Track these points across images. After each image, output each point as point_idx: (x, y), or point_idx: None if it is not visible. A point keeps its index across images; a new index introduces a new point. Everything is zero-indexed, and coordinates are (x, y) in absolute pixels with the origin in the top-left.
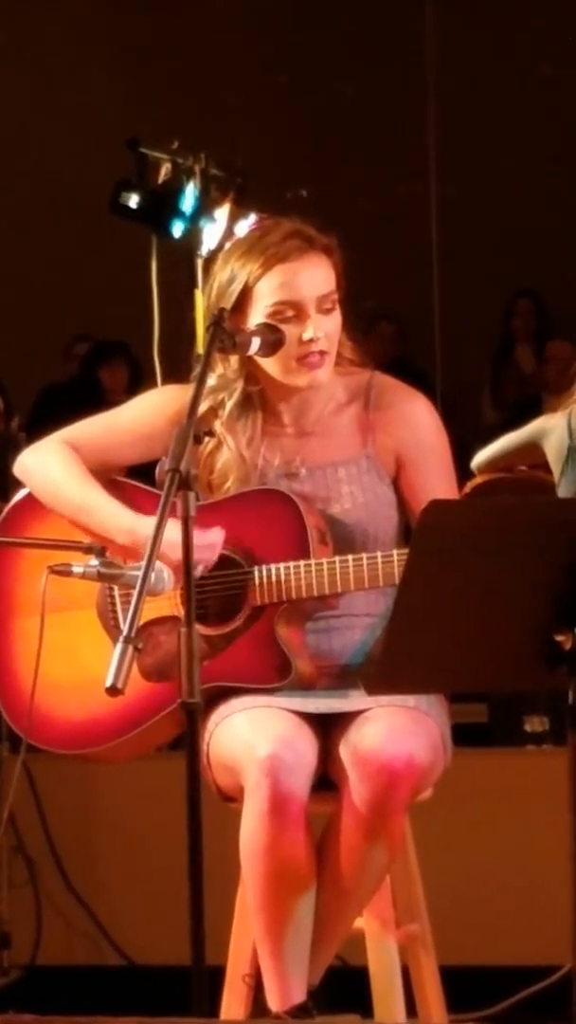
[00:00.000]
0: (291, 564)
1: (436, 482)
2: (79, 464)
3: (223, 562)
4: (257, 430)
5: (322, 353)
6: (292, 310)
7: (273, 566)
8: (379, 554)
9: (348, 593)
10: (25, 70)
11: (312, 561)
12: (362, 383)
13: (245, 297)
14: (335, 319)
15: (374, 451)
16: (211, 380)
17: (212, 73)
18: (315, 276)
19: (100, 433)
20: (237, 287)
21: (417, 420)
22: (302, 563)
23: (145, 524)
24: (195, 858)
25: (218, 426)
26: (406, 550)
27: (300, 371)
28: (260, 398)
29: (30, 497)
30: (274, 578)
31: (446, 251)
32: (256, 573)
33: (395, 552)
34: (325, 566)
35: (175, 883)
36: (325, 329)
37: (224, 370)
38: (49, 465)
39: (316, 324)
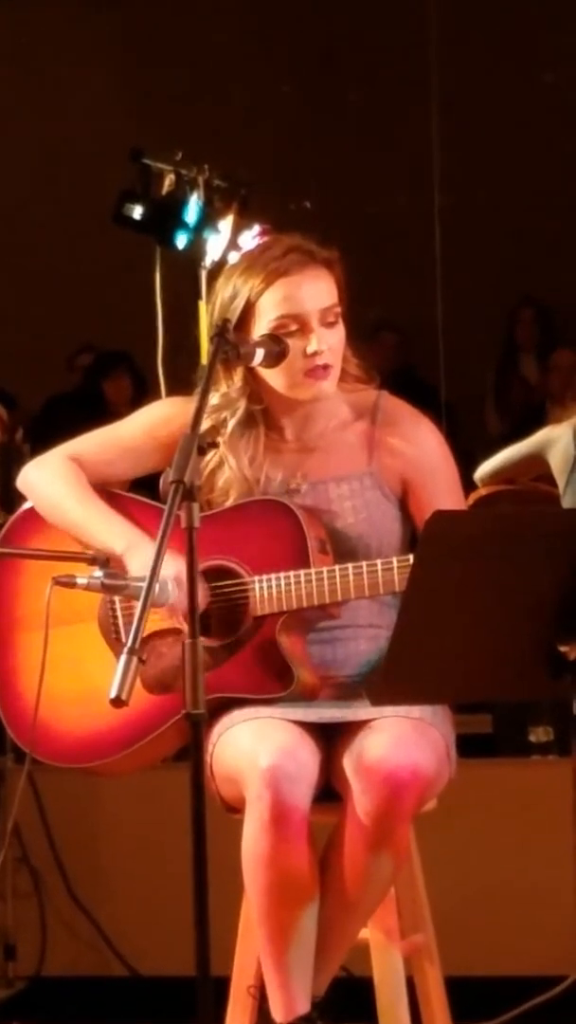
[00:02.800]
0: (291, 574)
1: (443, 503)
2: (81, 480)
3: (224, 573)
4: (259, 449)
5: (327, 367)
6: (295, 324)
7: (273, 576)
8: (379, 562)
9: (350, 603)
10: (28, 79)
11: (312, 570)
12: (368, 401)
13: (248, 313)
14: (339, 332)
15: (378, 469)
16: (214, 399)
17: (215, 82)
18: (317, 289)
19: (103, 446)
20: (240, 303)
21: (423, 443)
22: (302, 572)
23: (145, 544)
24: (200, 869)
25: (220, 441)
26: (407, 557)
27: (304, 384)
28: (263, 414)
29: (34, 510)
30: (274, 588)
31: (449, 260)
32: (256, 584)
33: (395, 559)
34: (325, 575)
35: (180, 894)
36: (329, 342)
37: (227, 388)
38: (52, 480)
39: (320, 337)
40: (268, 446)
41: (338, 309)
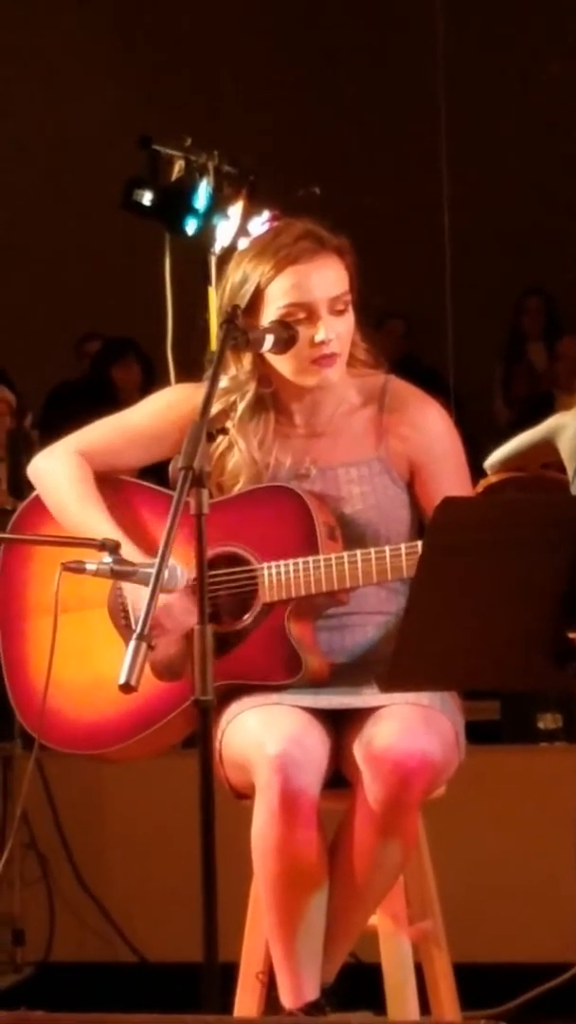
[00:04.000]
0: (299, 560)
1: (451, 488)
2: (86, 477)
3: (233, 559)
4: (269, 432)
5: (333, 355)
6: (304, 312)
7: (282, 563)
8: (387, 548)
9: (359, 589)
10: (34, 69)
11: (320, 557)
12: (376, 386)
13: (257, 299)
14: (347, 320)
15: (387, 454)
16: (224, 382)
17: (220, 70)
18: (327, 278)
19: (112, 436)
20: (249, 289)
21: (431, 427)
22: (311, 559)
23: (135, 552)
24: (208, 855)
25: (230, 428)
26: (415, 543)
27: (311, 371)
28: (272, 399)
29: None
30: (283, 575)
31: (457, 248)
32: (265, 570)
33: (403, 546)
34: (334, 561)
35: (188, 880)
36: (337, 330)
37: (236, 372)
38: (57, 474)
39: (328, 325)
40: (277, 431)
41: (347, 297)
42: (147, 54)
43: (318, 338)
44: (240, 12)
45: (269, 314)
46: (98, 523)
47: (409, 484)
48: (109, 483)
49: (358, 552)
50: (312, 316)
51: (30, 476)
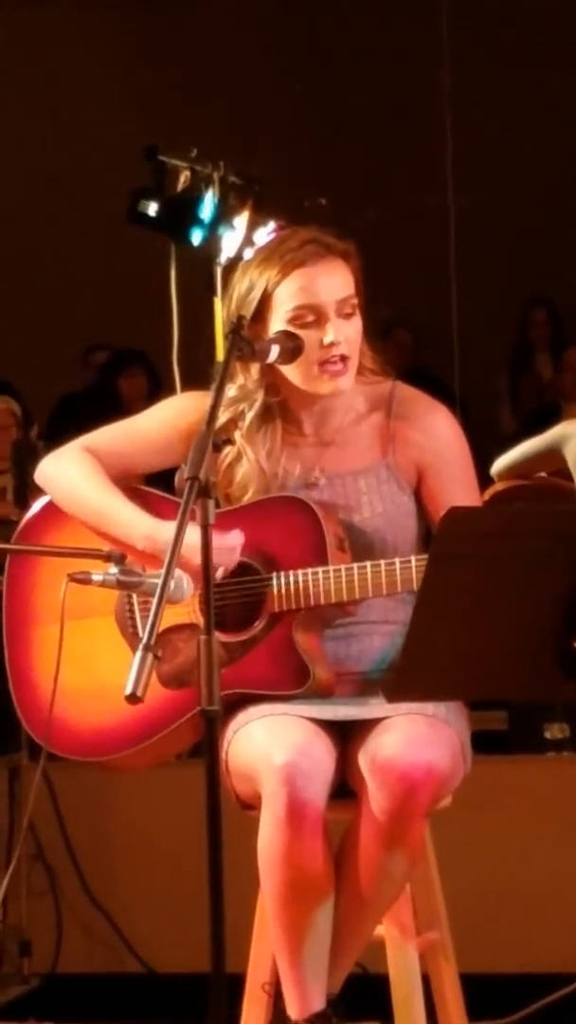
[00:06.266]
0: (309, 571)
1: (458, 493)
2: (99, 470)
3: (241, 569)
4: (277, 441)
5: (343, 359)
6: (312, 314)
7: (291, 573)
8: (397, 560)
9: (367, 600)
10: (40, 80)
11: (330, 567)
12: (383, 393)
13: (265, 304)
14: (355, 324)
15: (395, 461)
16: (231, 391)
17: (227, 82)
18: (334, 280)
19: (119, 440)
20: (256, 295)
21: (438, 432)
22: (320, 570)
23: (165, 529)
24: (215, 866)
25: (238, 437)
26: (424, 556)
27: (322, 378)
28: (280, 408)
29: (49, 506)
30: (292, 585)
31: (463, 260)
32: (274, 580)
33: (413, 558)
34: (343, 573)
35: (195, 891)
36: (345, 333)
37: (245, 381)
38: (69, 471)
39: (336, 328)
40: (286, 440)
41: (355, 300)
42: (153, 67)
43: (327, 340)
44: (245, 25)
45: (277, 318)
46: (123, 505)
47: (416, 491)
48: (121, 488)
49: (368, 564)
50: (320, 319)
51: (39, 480)
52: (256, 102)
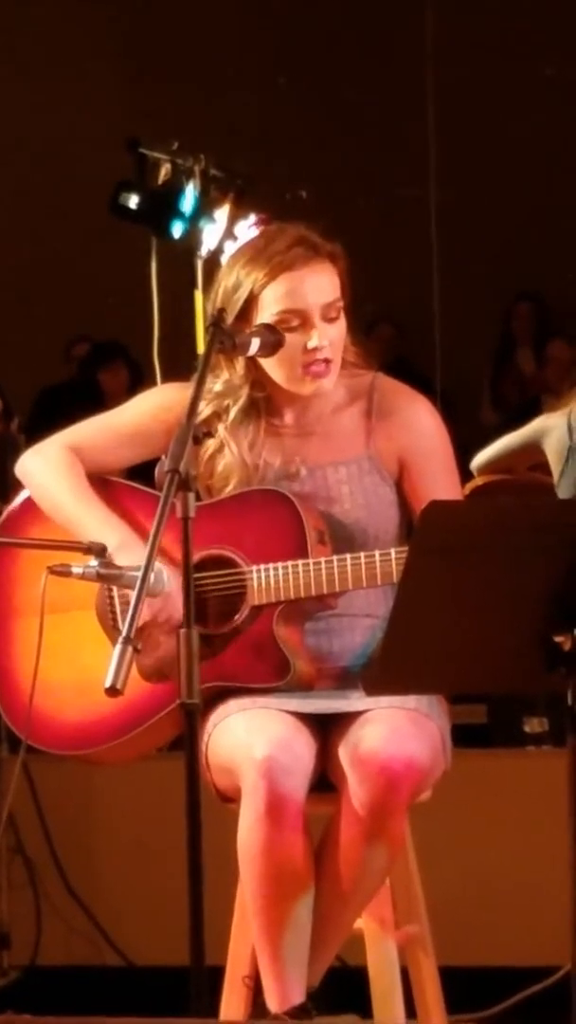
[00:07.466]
0: (289, 564)
1: (439, 485)
2: (78, 472)
3: (222, 562)
4: (260, 434)
5: (327, 361)
6: (297, 319)
7: (271, 566)
8: (377, 553)
9: (347, 593)
10: (23, 70)
11: (310, 560)
12: (364, 384)
13: (250, 305)
14: (340, 327)
15: (376, 453)
16: (216, 386)
17: (211, 74)
18: (320, 284)
19: (100, 434)
20: (243, 295)
21: (419, 423)
22: (300, 563)
23: (131, 550)
24: (194, 859)
25: (221, 430)
26: (404, 548)
27: (305, 380)
28: (265, 403)
29: (31, 499)
30: (272, 578)
31: (446, 253)
32: (255, 573)
33: (393, 551)
34: (323, 566)
35: (175, 884)
36: (330, 337)
37: (230, 376)
38: (48, 471)
39: (321, 332)
40: (267, 431)
41: (340, 304)
42: (140, 59)
43: (311, 345)
44: (234, 19)
45: (262, 320)
46: (98, 514)
47: (398, 482)
48: (97, 482)
49: (348, 556)
50: (306, 323)
51: (18, 474)
52: (239, 95)
